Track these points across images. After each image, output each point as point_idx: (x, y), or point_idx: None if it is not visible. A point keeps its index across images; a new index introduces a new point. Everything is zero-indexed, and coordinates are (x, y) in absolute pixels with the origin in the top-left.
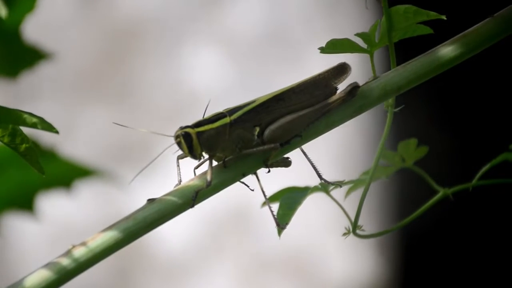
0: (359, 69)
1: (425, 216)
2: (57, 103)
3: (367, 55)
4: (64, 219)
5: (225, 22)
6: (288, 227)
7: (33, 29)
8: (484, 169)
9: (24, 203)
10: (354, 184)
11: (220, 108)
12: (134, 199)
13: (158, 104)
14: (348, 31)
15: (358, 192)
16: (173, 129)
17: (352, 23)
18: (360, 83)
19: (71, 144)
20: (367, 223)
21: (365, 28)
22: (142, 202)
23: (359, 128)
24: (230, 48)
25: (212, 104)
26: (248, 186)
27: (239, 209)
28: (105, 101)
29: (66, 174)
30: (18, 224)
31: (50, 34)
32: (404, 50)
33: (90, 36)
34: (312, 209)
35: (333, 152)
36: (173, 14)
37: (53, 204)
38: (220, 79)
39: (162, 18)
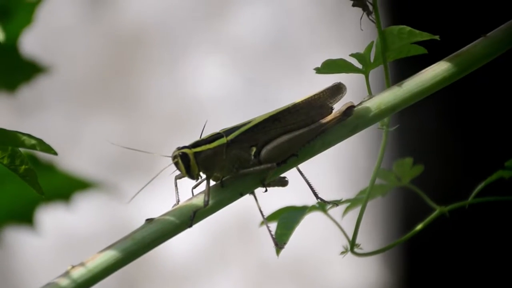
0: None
1: (427, 227)
2: (60, 114)
3: (362, 75)
4: (67, 232)
5: (230, 31)
6: (292, 236)
7: (36, 39)
8: (480, 187)
9: (24, 216)
10: (351, 203)
11: (223, 120)
12: (136, 210)
13: (162, 113)
14: (352, 41)
15: (357, 209)
16: (177, 138)
17: (356, 33)
18: (356, 102)
19: (74, 155)
20: (367, 239)
21: (369, 38)
22: (145, 213)
23: (359, 143)
24: (235, 57)
25: (216, 113)
26: (255, 198)
27: (244, 218)
28: (109, 111)
29: (65, 187)
30: (21, 237)
31: (54, 44)
32: (399, 69)
33: (94, 45)
34: (316, 219)
35: (333, 168)
36: (178, 23)
37: (55, 217)
38: (224, 88)
39: (167, 27)
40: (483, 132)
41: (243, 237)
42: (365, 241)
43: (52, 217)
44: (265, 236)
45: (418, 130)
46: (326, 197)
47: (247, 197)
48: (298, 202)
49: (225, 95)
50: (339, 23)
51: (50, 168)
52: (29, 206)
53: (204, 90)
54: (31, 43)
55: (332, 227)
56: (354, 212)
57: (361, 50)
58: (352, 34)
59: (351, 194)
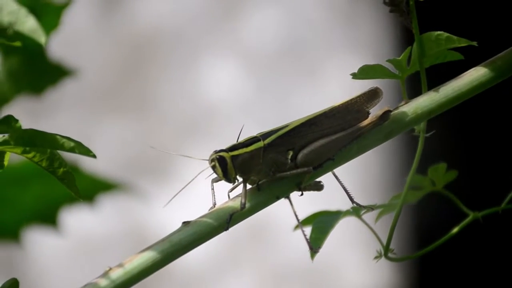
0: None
1: (440, 231)
2: (75, 117)
3: (396, 80)
4: (85, 233)
5: (243, 35)
6: (304, 241)
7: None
8: None
9: (48, 217)
10: (385, 208)
11: (236, 123)
12: (154, 213)
13: (176, 117)
14: (365, 45)
15: (388, 215)
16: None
17: (369, 37)
18: (391, 107)
19: (93, 163)
20: (397, 245)
21: (382, 41)
22: (162, 216)
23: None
24: (247, 61)
25: (229, 117)
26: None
27: (256, 221)
28: (123, 115)
29: (89, 189)
30: (40, 238)
31: (68, 48)
32: (432, 75)
33: (108, 49)
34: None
35: (357, 175)
36: (191, 27)
37: (74, 218)
38: (237, 92)
39: (180, 31)
40: None
41: (256, 240)
42: (394, 247)
43: (72, 219)
44: (278, 239)
45: (449, 136)
46: (358, 202)
47: None
48: (323, 206)
49: (238, 98)
50: (352, 27)
51: (74, 169)
52: (53, 206)
53: (217, 93)
54: (51, 49)
55: (344, 230)
56: (385, 218)
57: (373, 53)
58: (364, 38)
59: (374, 200)
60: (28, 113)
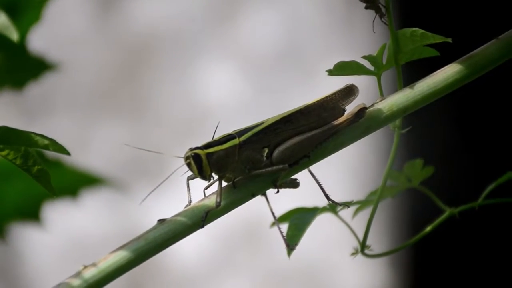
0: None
1: (435, 231)
2: (70, 118)
3: (374, 77)
4: (76, 232)
5: (240, 38)
6: (300, 242)
7: (47, 43)
8: (490, 188)
9: (31, 212)
10: (362, 204)
11: (234, 124)
12: (146, 211)
13: (172, 119)
14: (362, 47)
15: (367, 210)
16: (186, 144)
17: (366, 39)
18: (368, 104)
19: (83, 158)
20: (376, 241)
21: (379, 44)
22: (155, 214)
23: (369, 146)
24: (244, 63)
25: (226, 119)
26: (266, 199)
27: (252, 223)
28: (118, 116)
29: (72, 183)
30: (29, 236)
31: (63, 48)
32: (410, 71)
33: (104, 50)
34: (324, 224)
35: (342, 170)
36: (187, 29)
37: (64, 216)
38: (234, 95)
39: (177, 34)
40: (492, 133)
41: (251, 241)
42: (374, 243)
43: (59, 218)
44: (273, 240)
45: (426, 132)
46: (334, 199)
47: (256, 201)
48: (305, 203)
49: (235, 101)
50: (348, 30)
51: (57, 164)
52: (36, 202)
53: (213, 96)
54: (41, 47)
55: (340, 230)
56: (363, 214)
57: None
58: (361, 41)
59: (356, 196)
60: (23, 114)
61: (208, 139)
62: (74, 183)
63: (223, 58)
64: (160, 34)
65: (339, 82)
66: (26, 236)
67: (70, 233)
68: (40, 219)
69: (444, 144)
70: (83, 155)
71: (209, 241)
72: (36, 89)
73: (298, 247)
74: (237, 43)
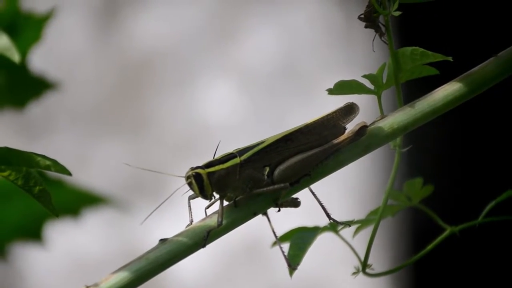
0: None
1: (435, 249)
2: (70, 136)
3: (374, 95)
4: (77, 251)
5: (238, 55)
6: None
7: (47, 62)
8: (490, 206)
9: (33, 232)
10: (362, 223)
11: (233, 142)
12: (147, 230)
13: (172, 137)
14: (360, 65)
15: (369, 229)
16: (187, 162)
17: (364, 57)
18: (368, 122)
19: (84, 177)
20: (376, 259)
21: (378, 62)
22: (155, 233)
23: (368, 164)
24: (243, 81)
25: (226, 137)
26: (268, 218)
27: (252, 240)
28: (118, 134)
29: (74, 202)
30: (31, 256)
31: (64, 67)
32: (410, 89)
33: (104, 68)
34: (326, 240)
35: (342, 188)
36: (187, 47)
37: (65, 236)
38: (233, 112)
39: (176, 51)
40: (492, 151)
41: (252, 259)
42: (374, 261)
43: (60, 237)
44: (273, 258)
45: (425, 149)
46: (334, 218)
47: (256, 220)
48: (305, 222)
49: (234, 119)
50: (347, 47)
51: (58, 184)
52: (37, 221)
53: (213, 114)
54: (42, 66)
55: (340, 248)
56: (364, 232)
57: (369, 72)
58: (360, 58)
59: (352, 214)
60: (23, 133)
61: (209, 157)
62: (76, 202)
63: (223, 76)
64: (160, 52)
65: (338, 100)
66: (26, 255)
67: (70, 252)
68: (42, 239)
69: (443, 161)
70: (83, 174)
71: (209, 258)
72: (36, 108)
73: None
74: (237, 61)
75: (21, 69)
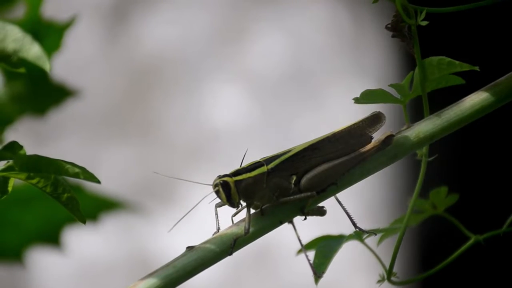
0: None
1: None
2: (81, 142)
3: (397, 105)
4: (90, 255)
5: (247, 60)
6: (308, 266)
7: (56, 67)
8: None
9: (51, 237)
10: (387, 232)
11: (240, 148)
12: (159, 235)
13: (180, 141)
14: (369, 70)
15: (390, 238)
16: (195, 166)
17: (373, 62)
18: (394, 131)
19: (92, 183)
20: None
21: (386, 67)
22: (168, 239)
23: (386, 175)
24: (252, 85)
25: (233, 142)
26: (293, 226)
27: (261, 245)
28: (127, 138)
29: (92, 208)
30: (45, 261)
31: (72, 72)
32: (434, 99)
33: (113, 73)
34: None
35: (360, 199)
36: (195, 52)
37: (78, 241)
38: (241, 117)
39: (184, 56)
40: None
41: (259, 265)
42: (396, 270)
43: (76, 241)
44: (279, 264)
45: (449, 158)
46: (360, 226)
47: None
48: (324, 230)
49: (242, 124)
50: (355, 52)
51: (77, 189)
52: (56, 227)
53: (221, 118)
54: (53, 71)
55: (351, 255)
56: (386, 241)
57: (377, 78)
58: (369, 63)
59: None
60: (33, 137)
61: (214, 164)
62: (94, 207)
63: (230, 81)
64: (169, 57)
65: (345, 106)
66: (38, 259)
67: (79, 256)
68: (60, 244)
69: (465, 170)
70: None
71: (217, 266)
72: (51, 116)
73: (307, 272)
74: (245, 66)
75: (42, 77)
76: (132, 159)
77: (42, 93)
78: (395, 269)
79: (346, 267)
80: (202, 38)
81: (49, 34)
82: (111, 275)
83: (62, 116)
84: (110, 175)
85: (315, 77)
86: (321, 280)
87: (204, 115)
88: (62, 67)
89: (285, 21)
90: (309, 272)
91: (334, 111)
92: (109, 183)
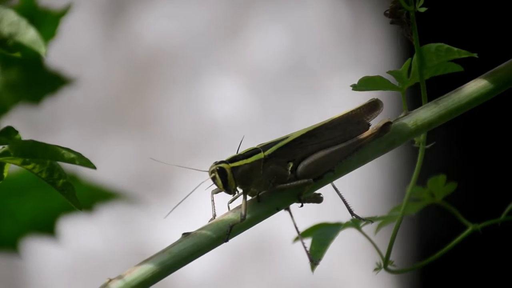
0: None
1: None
2: (78, 133)
3: (396, 92)
4: (87, 247)
5: (246, 53)
6: (305, 256)
7: (55, 59)
8: None
9: (46, 227)
10: (384, 219)
11: (240, 139)
12: (157, 226)
13: (178, 134)
14: (368, 62)
15: (387, 226)
16: (194, 158)
17: (372, 54)
18: (392, 118)
19: (93, 173)
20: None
21: (385, 59)
22: (165, 230)
23: (384, 163)
24: (251, 78)
25: (232, 135)
26: (290, 213)
27: (260, 238)
28: (126, 131)
29: (88, 198)
30: (40, 251)
31: (72, 64)
32: (432, 86)
33: (111, 66)
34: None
35: (357, 187)
36: (194, 44)
37: (75, 231)
38: (240, 110)
39: (184, 49)
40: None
41: (258, 258)
42: (392, 258)
43: (72, 233)
44: (280, 256)
45: (447, 146)
46: (357, 214)
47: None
48: (322, 218)
49: (242, 116)
50: (354, 45)
51: (73, 179)
52: (52, 216)
53: (220, 111)
54: (50, 61)
55: (349, 244)
56: (383, 229)
57: (376, 71)
58: (368, 55)
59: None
60: (31, 130)
61: (213, 156)
62: (90, 197)
63: (230, 74)
64: (167, 50)
65: (345, 98)
66: (35, 250)
67: (78, 247)
68: (55, 234)
69: (464, 159)
70: (90, 171)
71: (216, 254)
72: (46, 105)
73: (304, 262)
74: (244, 59)
75: (37, 64)
76: (130, 152)
77: (37, 82)
78: (393, 258)
79: (347, 259)
80: (201, 31)
81: (44, 22)
82: (109, 266)
83: (61, 108)
84: (108, 167)
85: (314, 70)
86: (321, 272)
87: (203, 108)
88: (61, 60)
89: (284, 14)
90: (306, 263)
91: (334, 104)
92: (107, 175)
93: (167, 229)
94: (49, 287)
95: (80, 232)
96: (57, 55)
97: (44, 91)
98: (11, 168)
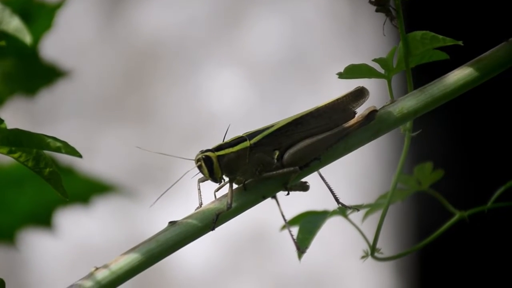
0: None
1: (442, 236)
2: (76, 125)
3: (384, 80)
4: (84, 239)
5: (245, 44)
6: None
7: (53, 51)
8: (499, 191)
9: (42, 219)
10: (371, 207)
11: (239, 131)
12: (154, 218)
13: (177, 126)
14: (367, 54)
15: (376, 214)
16: (192, 151)
17: (371, 46)
18: (378, 106)
19: (90, 165)
20: (384, 245)
21: (384, 50)
22: (162, 221)
23: (375, 150)
24: (250, 70)
25: (231, 126)
26: (277, 201)
27: (258, 230)
28: (124, 123)
29: (84, 190)
30: (38, 243)
31: (70, 56)
32: (419, 74)
33: (110, 58)
34: (331, 230)
35: (348, 174)
36: (193, 36)
37: (73, 224)
38: (239, 101)
39: (182, 41)
40: (502, 136)
41: (257, 248)
42: (381, 246)
43: (70, 225)
44: (279, 245)
45: (434, 134)
46: (343, 202)
47: (261, 206)
48: (312, 206)
49: (240, 107)
50: (354, 35)
51: (69, 171)
52: (48, 208)
53: (219, 103)
54: (47, 53)
55: (347, 234)
56: (372, 217)
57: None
58: (367, 46)
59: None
60: (28, 121)
61: (217, 142)
62: (86, 190)
63: (228, 65)
64: (166, 41)
65: (345, 87)
66: (33, 242)
67: (74, 238)
68: (52, 226)
69: (451, 146)
70: (89, 162)
71: (215, 247)
72: (42, 97)
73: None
74: (243, 50)
75: (33, 56)
76: (129, 143)
77: (33, 73)
78: (380, 246)
79: (345, 252)
80: (200, 22)
81: (40, 14)
82: (107, 258)
83: (58, 100)
84: (106, 159)
85: (314, 61)
86: (319, 265)
87: (202, 99)
88: (58, 51)
89: (283, 4)
90: (307, 252)
91: (332, 95)
92: (105, 166)
93: (164, 220)
94: (47, 278)
95: (77, 224)
96: (55, 47)
97: (40, 83)
98: (8, 160)
